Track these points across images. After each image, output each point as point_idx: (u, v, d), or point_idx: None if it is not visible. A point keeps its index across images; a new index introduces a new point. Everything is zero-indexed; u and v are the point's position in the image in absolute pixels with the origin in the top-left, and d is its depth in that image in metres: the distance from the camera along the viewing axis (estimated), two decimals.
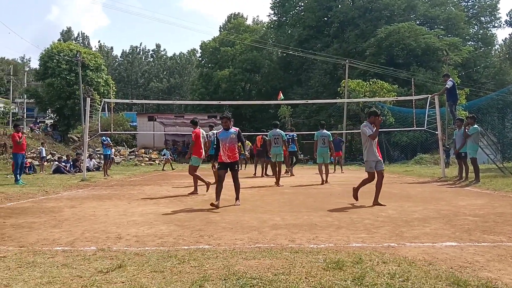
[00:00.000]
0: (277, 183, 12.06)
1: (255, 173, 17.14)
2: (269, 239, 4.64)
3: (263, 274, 3.14)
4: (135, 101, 26.61)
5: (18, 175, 12.93)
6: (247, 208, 7.42)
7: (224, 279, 3.03)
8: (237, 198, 7.89)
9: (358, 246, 4.27)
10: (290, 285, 2.87)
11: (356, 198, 7.94)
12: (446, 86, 13.64)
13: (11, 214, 6.86)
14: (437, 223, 5.57)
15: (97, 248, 4.27)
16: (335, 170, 19.05)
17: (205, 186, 9.69)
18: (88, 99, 14.75)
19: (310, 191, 10.47)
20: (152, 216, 6.49)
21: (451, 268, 3.40)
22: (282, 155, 12.79)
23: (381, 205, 7.42)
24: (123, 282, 3.06)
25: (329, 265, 3.39)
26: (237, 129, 7.72)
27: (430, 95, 15.42)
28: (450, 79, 13.95)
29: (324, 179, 12.53)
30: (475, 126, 11.65)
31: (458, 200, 8.08)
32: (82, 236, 4.95)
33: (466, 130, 11.68)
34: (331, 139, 13.18)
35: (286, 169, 17.81)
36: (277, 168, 12.45)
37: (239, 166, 8.05)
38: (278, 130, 12.68)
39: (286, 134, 13.96)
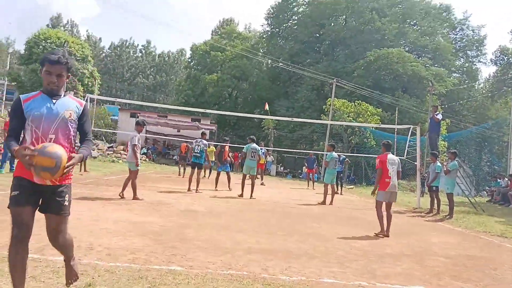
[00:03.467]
0: (250, 195, 12.40)
1: (179, 174, 19.60)
2: (242, 265, 4.62)
3: None
4: (119, 100, 26.31)
5: (4, 163, 12.78)
6: (222, 224, 7.38)
7: None
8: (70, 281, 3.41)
9: (330, 282, 4.28)
10: None
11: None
12: (439, 117, 14.15)
13: None
14: (409, 262, 5.64)
15: None
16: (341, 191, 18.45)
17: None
18: (72, 93, 14.50)
19: (287, 210, 10.49)
20: (126, 225, 6.39)
21: None
22: (255, 168, 13.10)
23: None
24: None
25: None
26: (83, 102, 3.21)
27: (412, 126, 15.68)
28: (439, 112, 14.41)
29: (329, 200, 12.87)
30: (455, 162, 11.89)
31: (431, 236, 8.22)
32: None
33: (445, 166, 11.93)
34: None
35: (261, 182, 19.24)
36: (252, 181, 12.72)
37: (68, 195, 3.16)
38: (255, 145, 12.99)
39: (260, 149, 14.39)
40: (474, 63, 48.58)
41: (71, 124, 3.04)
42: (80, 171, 16.17)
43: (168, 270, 4.12)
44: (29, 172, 2.85)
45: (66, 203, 3.09)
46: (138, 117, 33.49)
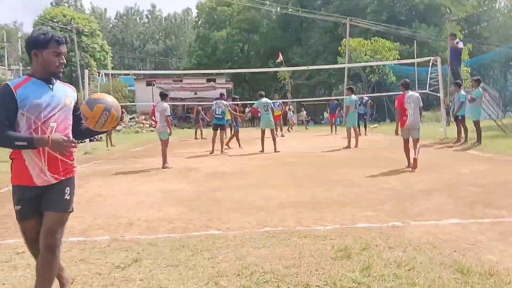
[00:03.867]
0: (274, 149, 12.56)
1: (196, 137, 20.13)
2: (276, 221, 4.76)
3: (275, 267, 3.27)
4: (133, 71, 26.76)
5: None
6: (251, 182, 7.52)
7: (238, 275, 3.16)
8: None
9: (364, 227, 4.38)
10: (301, 280, 2.99)
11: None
12: (460, 46, 13.72)
13: None
14: (440, 196, 5.68)
15: (111, 238, 4.39)
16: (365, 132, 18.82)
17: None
18: (86, 71, 14.60)
19: (313, 160, 10.57)
20: (160, 196, 6.60)
21: (455, 251, 3.51)
22: (272, 122, 13.19)
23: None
24: (141, 280, 3.18)
25: (337, 253, 3.51)
26: (73, 87, 2.98)
27: (432, 58, 15.19)
28: (459, 40, 13.93)
29: (354, 143, 12.97)
30: (479, 89, 11.63)
31: (460, 167, 8.18)
32: (94, 223, 5.06)
33: (470, 96, 11.69)
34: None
35: (281, 133, 19.49)
36: (272, 136, 12.86)
37: None
38: (265, 99, 13.04)
39: (273, 102, 14.54)
40: None
41: (70, 112, 2.80)
42: (107, 146, 16.59)
43: (206, 235, 4.29)
44: (28, 177, 2.63)
45: (67, 197, 2.74)
46: (154, 84, 33.66)
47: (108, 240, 4.33)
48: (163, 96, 10.28)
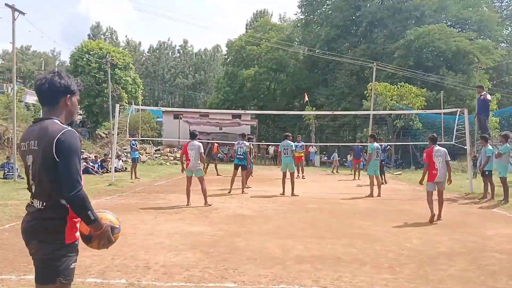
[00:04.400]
0: (292, 193, 12.56)
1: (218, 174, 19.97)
2: (293, 277, 4.72)
3: None
4: (162, 108, 27.53)
5: None
6: (270, 230, 7.49)
7: None
8: None
9: None
10: None
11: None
12: (489, 98, 13.89)
13: None
14: (462, 261, 5.52)
15: (127, 282, 4.44)
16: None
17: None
18: (117, 106, 15.08)
19: (334, 208, 10.46)
20: (178, 238, 6.65)
21: None
22: (292, 165, 13.14)
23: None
24: None
25: None
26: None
27: (459, 109, 15.08)
28: (486, 92, 13.95)
29: (377, 192, 12.81)
30: (506, 145, 11.43)
31: (485, 228, 7.95)
32: (112, 264, 5.14)
33: (497, 151, 11.51)
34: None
35: (302, 175, 19.32)
36: (291, 179, 12.84)
37: None
38: (286, 141, 13.06)
39: (295, 144, 14.79)
40: None
41: None
42: (131, 178, 16.83)
43: None
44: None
45: None
46: (181, 118, 34.32)
47: (124, 284, 4.39)
48: (194, 135, 10.62)
